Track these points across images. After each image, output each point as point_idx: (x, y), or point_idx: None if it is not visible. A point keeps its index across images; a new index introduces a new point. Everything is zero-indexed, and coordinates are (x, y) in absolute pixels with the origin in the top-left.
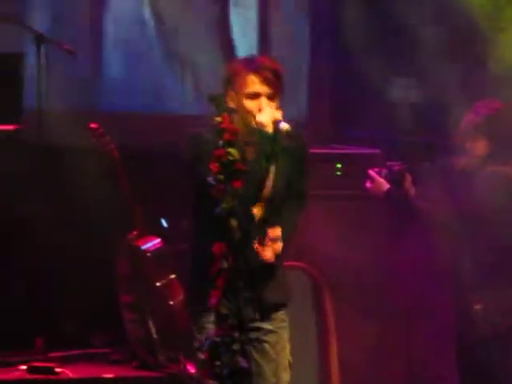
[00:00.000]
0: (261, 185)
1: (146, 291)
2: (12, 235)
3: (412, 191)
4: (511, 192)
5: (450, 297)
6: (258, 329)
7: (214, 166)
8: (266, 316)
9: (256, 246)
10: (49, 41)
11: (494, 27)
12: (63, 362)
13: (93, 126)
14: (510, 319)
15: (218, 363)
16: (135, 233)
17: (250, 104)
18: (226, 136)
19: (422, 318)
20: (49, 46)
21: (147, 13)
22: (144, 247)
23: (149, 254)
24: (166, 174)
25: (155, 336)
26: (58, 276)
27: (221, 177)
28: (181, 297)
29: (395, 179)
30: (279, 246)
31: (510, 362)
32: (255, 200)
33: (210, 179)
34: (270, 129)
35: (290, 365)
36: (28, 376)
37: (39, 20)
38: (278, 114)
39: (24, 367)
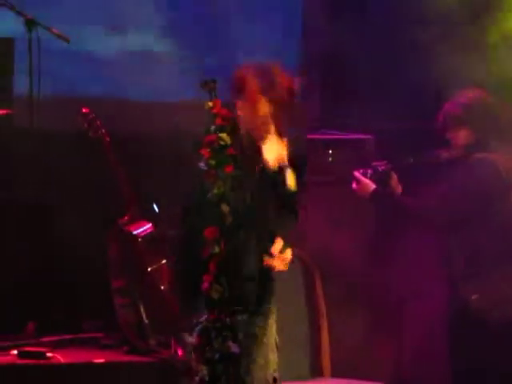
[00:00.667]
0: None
1: (138, 276)
2: (4, 219)
3: (399, 189)
4: (500, 179)
5: (443, 285)
6: (245, 311)
7: (205, 152)
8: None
9: (266, 261)
10: (40, 25)
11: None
12: (54, 346)
13: (84, 110)
14: (503, 308)
15: (208, 348)
16: (126, 218)
17: (259, 121)
18: (218, 121)
19: (414, 306)
20: (40, 30)
21: None
22: (135, 232)
23: (140, 239)
24: (158, 159)
25: (146, 321)
26: (50, 261)
27: (212, 162)
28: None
29: (381, 179)
30: (288, 253)
31: (504, 351)
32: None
33: (202, 165)
34: (273, 167)
35: (277, 346)
36: (19, 361)
37: (30, 4)
38: (284, 149)
39: (15, 352)
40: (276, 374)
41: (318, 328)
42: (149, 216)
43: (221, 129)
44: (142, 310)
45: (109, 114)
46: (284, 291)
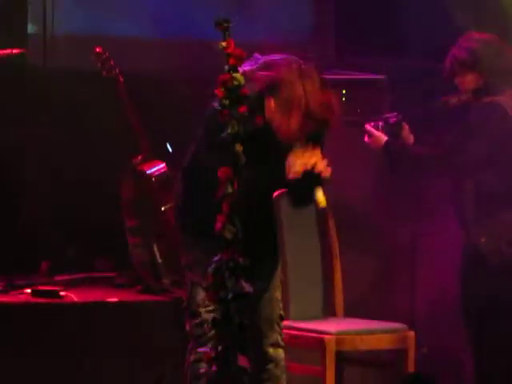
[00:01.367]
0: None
1: (151, 215)
2: (17, 159)
3: (411, 140)
4: (507, 123)
5: (454, 232)
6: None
7: (219, 91)
8: None
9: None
10: None
11: None
12: (67, 285)
13: (98, 50)
14: None
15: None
16: (140, 157)
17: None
18: (231, 61)
19: (426, 253)
20: None
21: None
22: (149, 171)
23: (154, 179)
24: (173, 99)
25: (159, 260)
26: (63, 199)
27: (226, 102)
28: None
29: (393, 131)
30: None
31: None
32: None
33: (215, 104)
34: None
35: (282, 283)
36: (32, 299)
37: None
38: (313, 158)
39: (28, 291)
40: (282, 312)
41: (331, 268)
42: (163, 156)
43: (234, 69)
44: (155, 249)
45: (123, 53)
46: (297, 232)
